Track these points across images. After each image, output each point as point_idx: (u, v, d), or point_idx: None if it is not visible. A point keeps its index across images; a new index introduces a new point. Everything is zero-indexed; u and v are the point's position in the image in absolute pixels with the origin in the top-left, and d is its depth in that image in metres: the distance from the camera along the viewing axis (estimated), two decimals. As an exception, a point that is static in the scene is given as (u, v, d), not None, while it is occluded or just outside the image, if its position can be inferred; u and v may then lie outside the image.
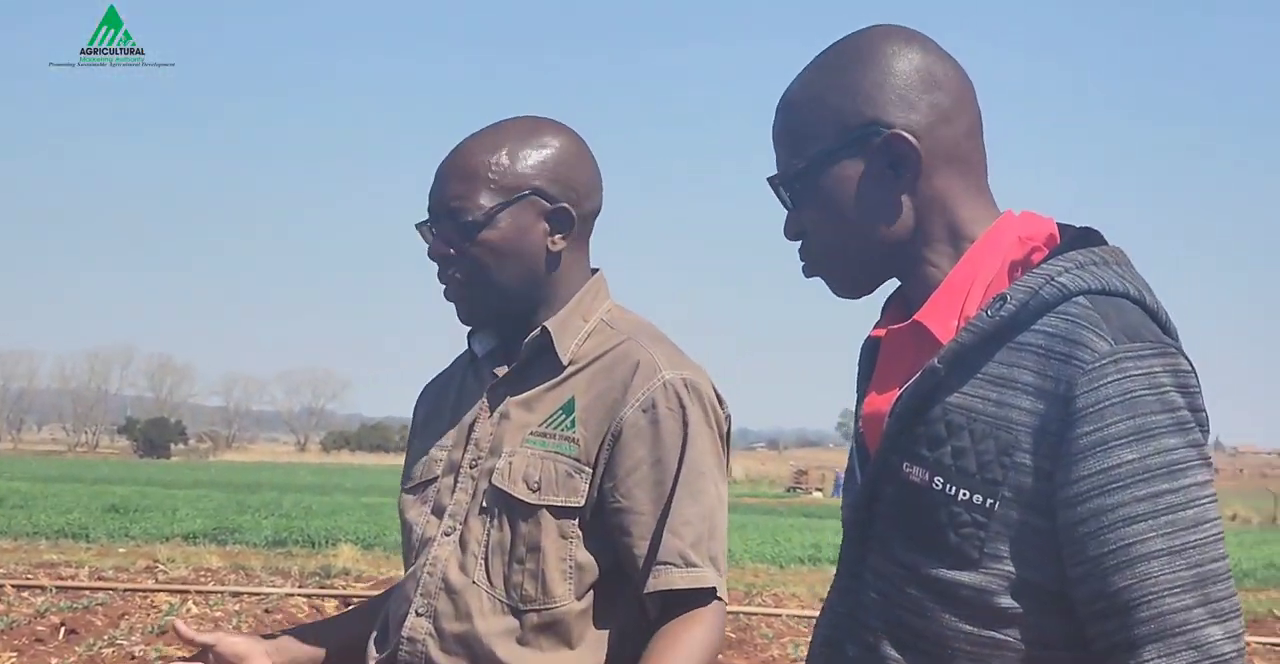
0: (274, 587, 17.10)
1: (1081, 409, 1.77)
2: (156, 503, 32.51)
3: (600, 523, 2.64)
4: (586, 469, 2.64)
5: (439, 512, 2.75)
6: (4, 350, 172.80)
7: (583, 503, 2.63)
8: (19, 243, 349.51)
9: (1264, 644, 15.28)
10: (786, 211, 2.08)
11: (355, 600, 15.95)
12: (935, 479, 1.87)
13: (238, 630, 12.74)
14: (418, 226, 2.78)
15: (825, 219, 2.02)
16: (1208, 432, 1.83)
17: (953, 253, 1.99)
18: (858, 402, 2.14)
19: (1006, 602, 1.84)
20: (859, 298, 2.11)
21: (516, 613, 2.62)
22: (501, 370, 2.78)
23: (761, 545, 26.34)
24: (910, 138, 1.95)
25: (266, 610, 14.75)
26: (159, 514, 28.59)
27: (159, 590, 16.31)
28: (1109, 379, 1.76)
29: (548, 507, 2.62)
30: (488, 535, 2.66)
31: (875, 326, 2.13)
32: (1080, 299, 1.83)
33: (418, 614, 2.69)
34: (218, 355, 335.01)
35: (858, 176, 1.98)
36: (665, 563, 2.58)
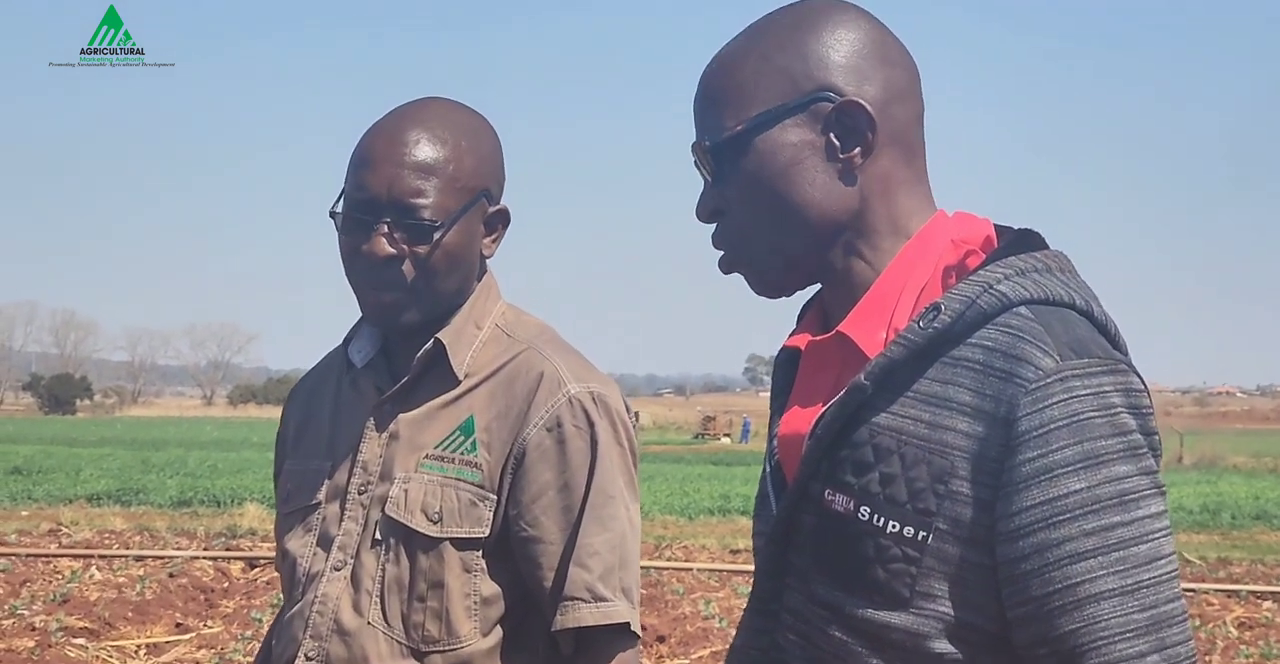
0: (179, 549, 16.88)
1: (1024, 433, 1.60)
2: (60, 463, 32.19)
3: (506, 553, 2.47)
4: (491, 496, 2.45)
5: (325, 543, 2.54)
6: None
7: (488, 533, 2.44)
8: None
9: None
10: (705, 189, 1.87)
11: (261, 562, 15.82)
12: (861, 509, 1.70)
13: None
14: (347, 216, 2.48)
15: (755, 193, 1.80)
16: (1160, 457, 1.68)
17: (889, 249, 1.81)
18: (772, 420, 1.96)
19: (942, 646, 1.67)
20: (780, 296, 1.90)
21: (418, 655, 2.44)
22: (370, 381, 2.60)
23: (670, 497, 26.29)
24: (868, 107, 1.77)
25: (171, 575, 14.51)
26: (62, 475, 28.27)
27: (62, 555, 16.07)
28: (1055, 400, 1.60)
29: (450, 539, 2.43)
30: (383, 571, 2.46)
31: (791, 335, 1.95)
32: (1022, 309, 1.67)
33: (308, 659, 2.49)
34: (122, 310, 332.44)
35: (801, 145, 1.79)
36: (573, 598, 2.41)
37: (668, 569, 16.15)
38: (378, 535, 2.48)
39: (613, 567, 2.43)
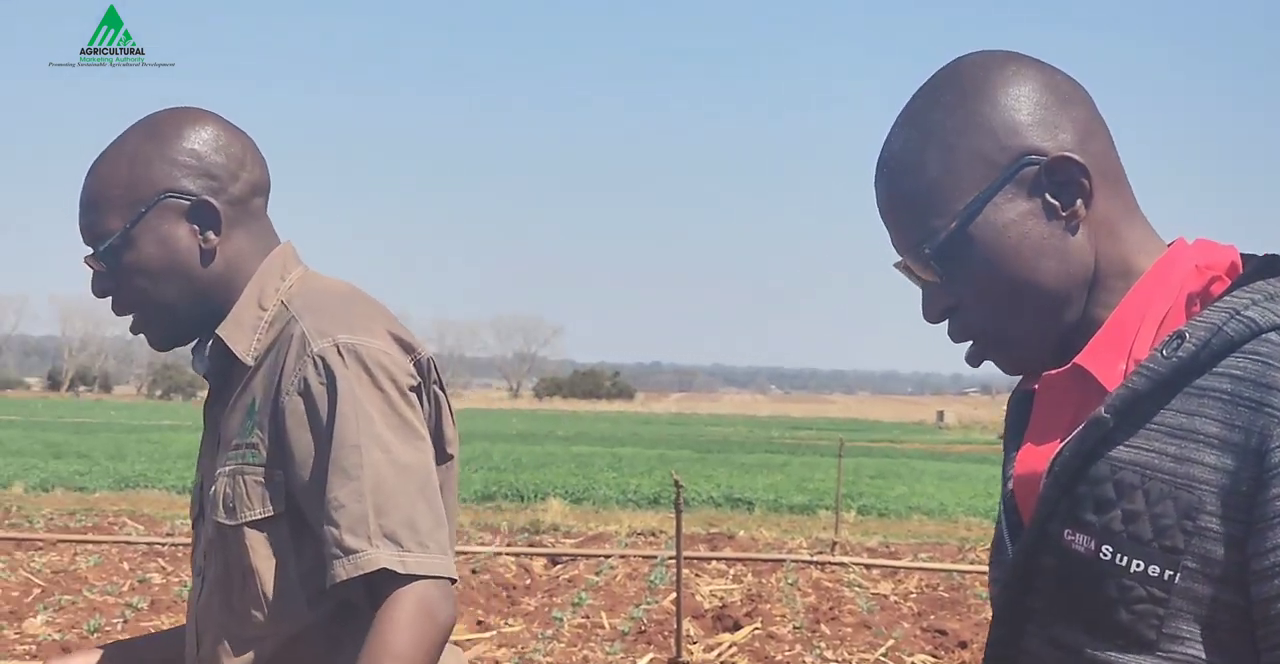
0: (482, 544, 17.16)
1: (1276, 465, 1.51)
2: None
3: (304, 523, 2.43)
4: (275, 472, 2.42)
5: (198, 553, 2.60)
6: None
7: (283, 509, 2.42)
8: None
9: None
10: (926, 290, 1.78)
11: (563, 559, 15.93)
12: (1103, 548, 1.61)
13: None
14: (85, 260, 2.56)
15: (993, 283, 1.71)
16: None
17: (1123, 287, 1.72)
18: (1006, 460, 1.85)
19: None
20: (1037, 371, 1.80)
21: (256, 644, 2.45)
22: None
23: (974, 498, 25.92)
24: (1076, 157, 1.68)
25: (474, 571, 14.78)
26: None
27: (370, 549, 16.36)
28: None
29: (246, 524, 2.42)
30: (215, 570, 2.50)
31: (1024, 377, 1.86)
32: (1272, 336, 1.58)
33: None
34: (430, 302, 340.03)
35: (1022, 218, 1.69)
36: (329, 557, 2.33)
37: (971, 573, 15.84)
38: (211, 536, 2.51)
39: (363, 515, 2.32)
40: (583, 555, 16.26)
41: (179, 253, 2.51)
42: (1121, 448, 1.62)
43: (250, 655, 2.45)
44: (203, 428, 2.68)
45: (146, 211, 2.49)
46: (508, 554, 16.22)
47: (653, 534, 18.76)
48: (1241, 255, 1.74)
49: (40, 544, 16.16)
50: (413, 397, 2.45)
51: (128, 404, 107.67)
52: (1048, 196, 1.69)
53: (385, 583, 2.30)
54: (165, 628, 10.61)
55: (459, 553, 15.59)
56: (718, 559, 16.46)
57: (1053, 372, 1.75)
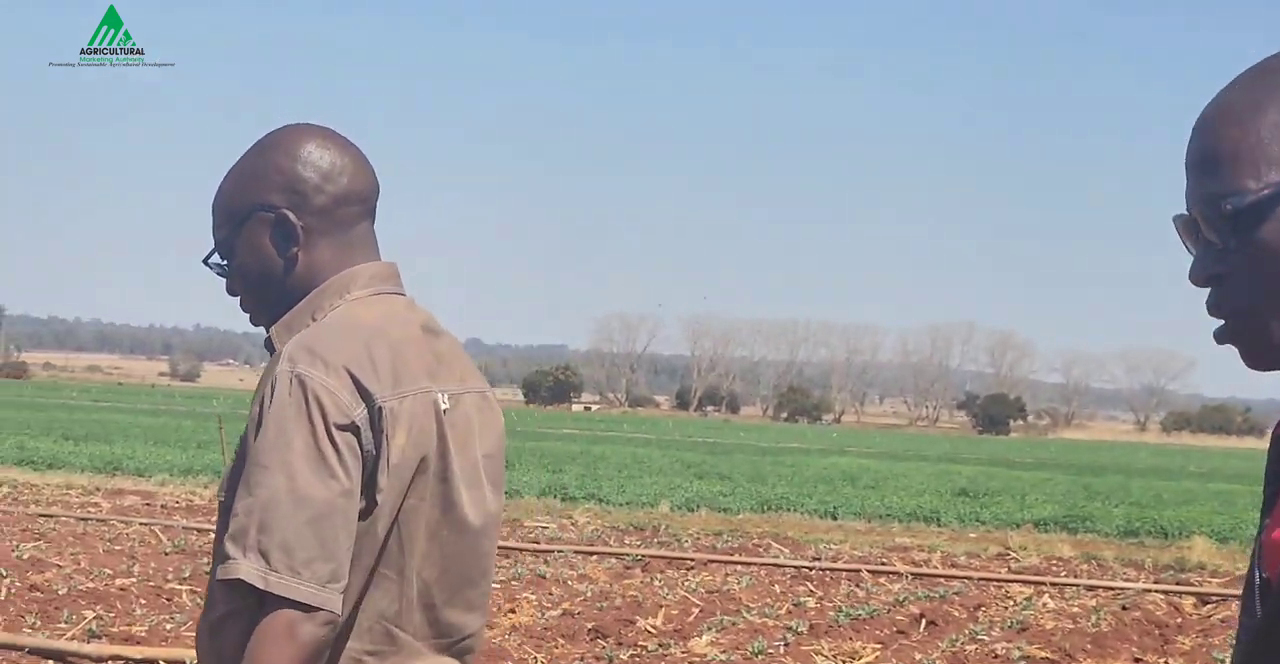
0: (1128, 580, 16.83)
1: None
2: (1004, 486, 32.93)
3: None
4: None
5: None
6: (849, 324, 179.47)
7: None
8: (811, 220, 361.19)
9: None
10: (1201, 251, 1.63)
11: (1213, 599, 15.47)
12: None
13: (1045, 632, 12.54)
14: (203, 262, 2.87)
15: (1273, 263, 1.56)
16: None
17: None
18: (1264, 507, 1.71)
19: None
20: (1274, 369, 1.65)
21: (216, 606, 2.65)
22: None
23: None
24: None
25: (1124, 607, 14.48)
26: (1008, 498, 28.87)
27: (1013, 581, 16.33)
28: None
29: (222, 503, 2.66)
30: (218, 533, 2.69)
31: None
32: None
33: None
34: (1058, 332, 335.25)
35: None
36: (217, 555, 2.58)
37: None
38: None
39: (246, 528, 2.52)
40: (1233, 596, 15.70)
41: (266, 261, 2.78)
42: None
43: (212, 614, 2.66)
44: None
45: (242, 224, 2.77)
46: (1156, 591, 15.84)
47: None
48: None
49: (691, 563, 16.73)
50: (344, 436, 2.59)
51: (755, 425, 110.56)
52: None
53: (266, 597, 2.50)
54: (825, 653, 10.88)
55: (1106, 589, 15.43)
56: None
57: None
